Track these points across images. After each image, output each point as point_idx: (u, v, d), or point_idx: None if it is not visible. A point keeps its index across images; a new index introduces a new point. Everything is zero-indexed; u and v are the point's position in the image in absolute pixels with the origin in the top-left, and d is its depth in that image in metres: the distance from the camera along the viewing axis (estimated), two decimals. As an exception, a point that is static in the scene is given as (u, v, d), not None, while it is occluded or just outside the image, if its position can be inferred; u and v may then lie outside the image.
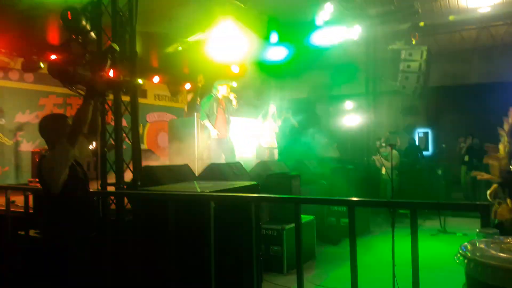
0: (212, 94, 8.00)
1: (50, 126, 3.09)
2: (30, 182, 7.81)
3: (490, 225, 2.75)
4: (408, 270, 2.66)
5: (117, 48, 4.43)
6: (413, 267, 2.62)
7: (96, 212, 3.74)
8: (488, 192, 3.60)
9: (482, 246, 1.73)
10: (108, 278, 3.74)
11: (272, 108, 9.92)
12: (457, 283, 3.50)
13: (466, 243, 1.78)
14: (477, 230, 1.90)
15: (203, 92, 9.99)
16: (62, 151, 2.88)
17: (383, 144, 9.82)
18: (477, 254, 1.66)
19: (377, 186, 9.71)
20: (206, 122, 7.75)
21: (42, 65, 8.69)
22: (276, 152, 9.88)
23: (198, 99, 10.18)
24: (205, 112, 7.81)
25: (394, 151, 9.57)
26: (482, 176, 5.95)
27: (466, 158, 10.45)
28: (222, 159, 7.66)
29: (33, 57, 8.65)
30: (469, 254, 1.66)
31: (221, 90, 7.98)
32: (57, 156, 2.89)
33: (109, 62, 4.27)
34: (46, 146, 3.14)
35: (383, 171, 9.52)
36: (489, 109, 11.52)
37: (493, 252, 1.65)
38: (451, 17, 10.75)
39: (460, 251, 1.71)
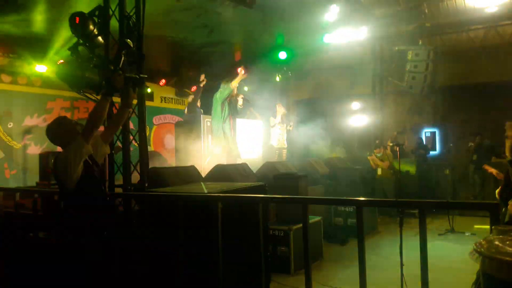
0: (225, 97, 8.05)
1: (56, 132, 3.11)
2: (38, 184, 7.87)
3: (500, 223, 2.74)
4: (417, 270, 2.65)
5: (131, 44, 4.46)
6: (422, 267, 2.61)
7: (110, 211, 3.75)
8: (497, 191, 3.57)
9: (497, 242, 1.72)
10: (117, 278, 3.76)
11: (281, 108, 9.94)
12: (466, 283, 3.48)
13: (481, 240, 1.77)
14: (492, 227, 1.89)
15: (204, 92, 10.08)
16: (76, 146, 2.90)
17: (390, 144, 9.79)
18: (493, 250, 1.65)
19: (373, 187, 9.63)
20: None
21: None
22: (284, 152, 9.89)
23: (199, 100, 10.22)
24: (223, 117, 7.91)
25: (388, 152, 9.54)
26: (491, 169, 5.91)
27: (475, 157, 10.38)
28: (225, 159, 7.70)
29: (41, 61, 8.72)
30: (484, 250, 1.66)
31: (228, 90, 8.03)
32: (72, 151, 2.91)
33: (123, 58, 4.31)
34: (53, 149, 3.17)
35: (379, 172, 9.48)
36: (497, 108, 11.43)
37: (509, 248, 1.65)
38: None
39: (475, 247, 1.71)
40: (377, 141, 10.65)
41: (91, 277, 2.96)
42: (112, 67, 4.36)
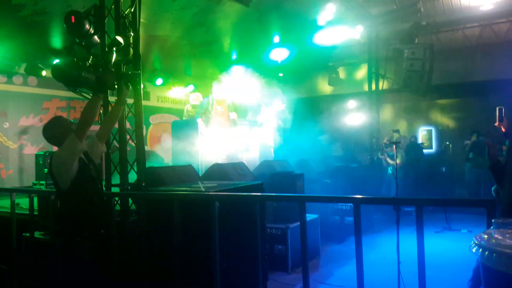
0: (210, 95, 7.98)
1: (52, 131, 3.10)
2: (35, 184, 7.85)
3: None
4: (414, 267, 2.66)
5: (121, 41, 4.44)
6: (419, 264, 2.61)
7: (107, 210, 3.74)
8: (493, 188, 3.59)
9: (498, 235, 1.74)
10: (114, 277, 3.76)
11: (264, 108, 9.92)
12: (462, 280, 3.50)
13: (481, 233, 1.79)
14: (492, 220, 1.91)
15: None
16: (69, 144, 2.90)
17: (387, 142, 9.84)
18: (493, 242, 1.67)
19: (380, 185, 9.69)
20: (199, 120, 7.74)
21: (44, 71, 8.76)
22: (272, 151, 9.87)
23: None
24: (201, 111, 7.82)
25: (400, 150, 9.60)
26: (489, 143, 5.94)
27: (471, 155, 10.43)
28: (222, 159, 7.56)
29: (36, 61, 8.71)
30: (484, 243, 1.68)
31: (215, 93, 7.95)
32: (65, 149, 2.91)
33: (114, 55, 4.30)
34: (49, 149, 3.17)
35: (390, 170, 9.56)
36: (493, 107, 11.46)
37: (509, 241, 1.66)
38: None
39: (475, 240, 1.73)
40: (391, 138, 10.63)
41: (87, 276, 2.95)
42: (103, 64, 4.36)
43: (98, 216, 3.13)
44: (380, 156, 9.98)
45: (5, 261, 4.89)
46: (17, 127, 9.12)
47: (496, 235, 1.74)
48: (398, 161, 9.40)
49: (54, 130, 3.09)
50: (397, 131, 11.71)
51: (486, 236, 1.73)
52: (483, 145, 10.03)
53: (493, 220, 1.91)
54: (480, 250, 1.66)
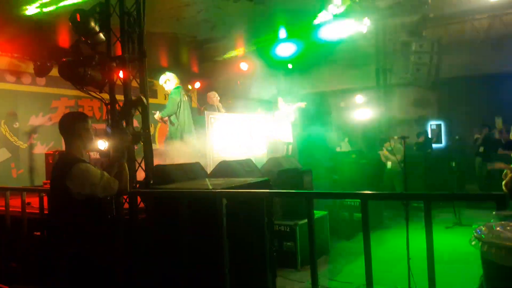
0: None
1: (65, 124, 3.11)
2: (45, 184, 7.91)
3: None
4: (424, 263, 2.63)
5: (145, 102, 4.48)
6: (429, 260, 2.58)
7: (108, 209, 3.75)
8: (504, 182, 3.54)
9: (498, 228, 1.71)
10: (122, 275, 3.77)
11: (281, 101, 9.80)
12: (473, 276, 3.46)
13: (481, 226, 1.76)
14: (493, 213, 1.87)
15: None
16: (103, 182, 2.94)
17: (396, 137, 9.73)
18: (492, 236, 1.64)
19: (382, 181, 9.60)
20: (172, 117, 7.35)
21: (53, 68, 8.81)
22: (290, 147, 9.73)
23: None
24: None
25: (399, 145, 9.47)
26: (500, 166, 5.88)
27: (481, 149, 10.31)
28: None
29: (44, 60, 8.76)
30: (483, 236, 1.65)
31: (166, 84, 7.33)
32: (93, 178, 2.92)
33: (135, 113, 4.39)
34: (59, 148, 3.17)
35: (389, 165, 9.44)
36: (503, 99, 11.33)
37: (509, 234, 1.63)
38: None
39: (475, 234, 1.70)
40: (395, 137, 10.52)
41: (96, 275, 2.96)
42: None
43: (102, 216, 3.14)
44: (379, 152, 9.83)
45: (16, 260, 4.94)
46: (26, 126, 9.18)
47: (497, 228, 1.71)
48: (399, 156, 9.31)
49: (70, 122, 3.09)
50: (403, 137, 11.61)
51: (486, 229, 1.71)
52: (495, 139, 9.92)
53: (493, 212, 1.88)
54: (480, 243, 1.63)
